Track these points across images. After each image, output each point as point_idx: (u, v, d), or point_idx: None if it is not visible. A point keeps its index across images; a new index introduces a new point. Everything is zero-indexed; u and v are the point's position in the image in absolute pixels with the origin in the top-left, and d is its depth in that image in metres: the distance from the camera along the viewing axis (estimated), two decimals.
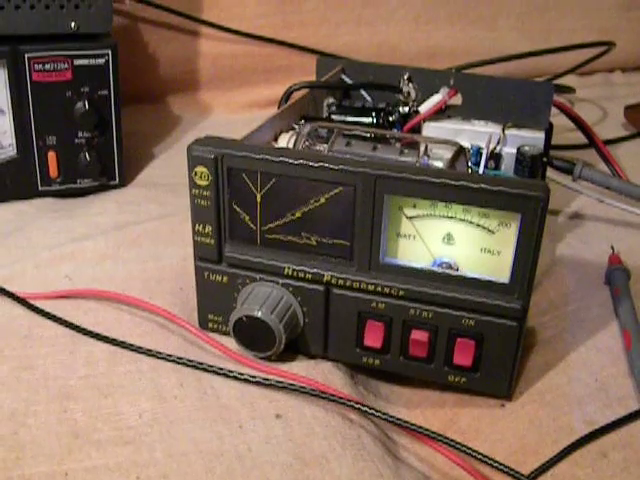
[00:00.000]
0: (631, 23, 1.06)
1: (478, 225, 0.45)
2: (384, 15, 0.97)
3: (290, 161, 0.46)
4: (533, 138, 0.66)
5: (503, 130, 0.66)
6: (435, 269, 0.46)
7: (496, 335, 0.46)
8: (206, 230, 0.50)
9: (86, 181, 0.72)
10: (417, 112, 0.67)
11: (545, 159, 0.67)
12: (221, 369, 0.48)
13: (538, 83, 0.67)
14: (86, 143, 0.71)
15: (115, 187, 0.74)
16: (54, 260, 0.60)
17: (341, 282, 0.48)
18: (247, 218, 0.49)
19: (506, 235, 0.44)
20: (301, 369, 0.50)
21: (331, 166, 0.45)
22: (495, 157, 0.66)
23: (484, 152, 0.59)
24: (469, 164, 0.53)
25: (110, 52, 0.69)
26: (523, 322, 0.45)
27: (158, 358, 0.50)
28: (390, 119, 0.66)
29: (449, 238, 0.46)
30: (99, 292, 0.55)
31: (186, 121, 0.92)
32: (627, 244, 0.65)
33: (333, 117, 0.66)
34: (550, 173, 0.70)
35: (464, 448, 0.42)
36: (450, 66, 0.94)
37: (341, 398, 0.45)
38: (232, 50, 0.93)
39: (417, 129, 0.67)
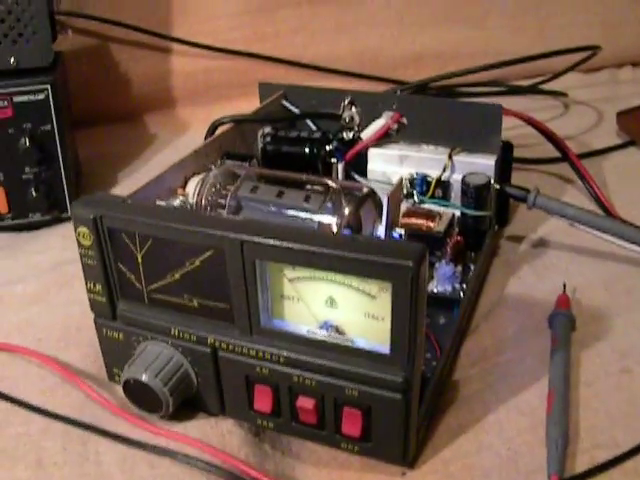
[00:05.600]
0: (638, 13, 0.97)
1: (358, 289, 0.41)
2: (364, 19, 0.92)
3: (160, 224, 0.43)
4: (483, 164, 0.61)
5: (450, 156, 0.61)
6: (316, 336, 0.43)
7: (382, 407, 0.42)
8: (96, 288, 0.48)
9: (37, 215, 0.71)
10: (361, 138, 0.63)
11: (498, 187, 0.62)
12: (108, 432, 0.47)
13: (486, 105, 0.62)
14: (34, 178, 0.70)
15: (68, 219, 0.73)
16: None
17: (224, 345, 0.45)
18: (133, 278, 0.47)
19: (388, 301, 0.41)
20: (198, 429, 0.48)
21: (197, 229, 0.42)
22: (442, 185, 0.62)
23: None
24: (384, 210, 0.48)
25: (49, 87, 0.67)
26: (409, 394, 0.42)
27: (49, 418, 0.49)
28: (328, 148, 0.62)
29: (332, 302, 0.43)
30: (9, 346, 0.54)
31: (161, 140, 0.90)
32: (588, 278, 0.60)
33: (268, 148, 0.63)
34: None
35: None
36: (439, 71, 0.89)
37: (222, 469, 0.43)
38: (206, 66, 0.91)
39: (363, 155, 0.64)
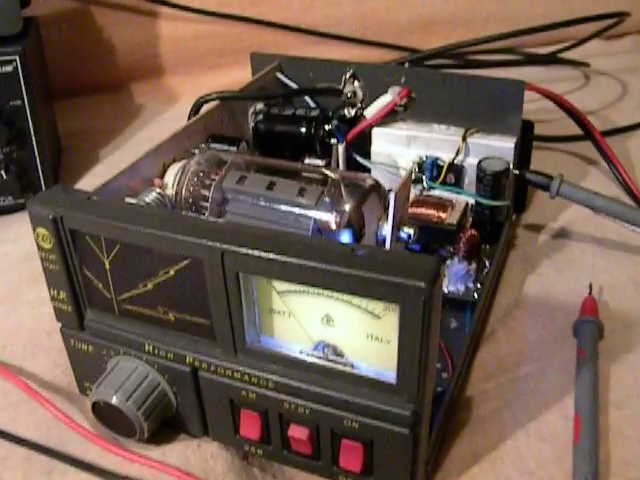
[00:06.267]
0: None
1: (360, 307, 0.35)
2: None
3: (128, 227, 0.37)
4: (501, 148, 0.54)
5: (464, 138, 0.55)
6: (310, 358, 0.37)
7: (386, 441, 0.37)
8: (61, 296, 0.42)
9: (8, 199, 0.65)
10: (364, 116, 0.57)
11: (517, 172, 0.56)
12: (76, 460, 0.41)
13: (506, 81, 0.55)
14: (4, 158, 0.63)
15: None
16: None
17: (205, 366, 0.40)
18: (100, 285, 0.41)
19: (394, 322, 0.35)
20: (178, 454, 0.43)
21: (170, 235, 0.36)
22: (455, 170, 0.56)
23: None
24: (390, 208, 0.42)
25: (18, 58, 0.60)
26: (418, 428, 0.36)
27: (10, 442, 0.43)
28: (327, 127, 0.56)
29: (328, 319, 0.37)
30: None
31: (148, 111, 0.83)
32: (616, 276, 0.54)
33: (259, 127, 0.57)
34: None
35: None
36: (448, 37, 0.82)
37: None
38: (196, 31, 0.83)
39: (367, 135, 0.57)
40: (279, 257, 0.34)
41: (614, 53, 0.89)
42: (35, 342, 0.51)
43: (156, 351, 0.41)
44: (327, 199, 0.43)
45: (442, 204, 0.53)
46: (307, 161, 0.55)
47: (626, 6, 0.87)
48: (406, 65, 0.66)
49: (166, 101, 0.86)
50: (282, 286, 0.37)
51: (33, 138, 0.64)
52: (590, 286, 0.51)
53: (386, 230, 0.42)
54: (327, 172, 0.46)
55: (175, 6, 0.82)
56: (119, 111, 0.84)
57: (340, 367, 0.37)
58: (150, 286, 0.39)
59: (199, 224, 0.37)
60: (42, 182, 0.66)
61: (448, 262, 0.51)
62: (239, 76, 0.84)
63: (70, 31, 0.76)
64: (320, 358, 0.37)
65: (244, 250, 0.35)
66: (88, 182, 0.70)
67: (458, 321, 0.50)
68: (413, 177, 0.56)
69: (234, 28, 0.84)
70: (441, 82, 0.56)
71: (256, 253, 0.34)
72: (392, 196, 0.39)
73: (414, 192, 0.55)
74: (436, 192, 0.55)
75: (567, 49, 0.81)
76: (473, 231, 0.51)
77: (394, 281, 0.32)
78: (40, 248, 0.41)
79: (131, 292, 0.40)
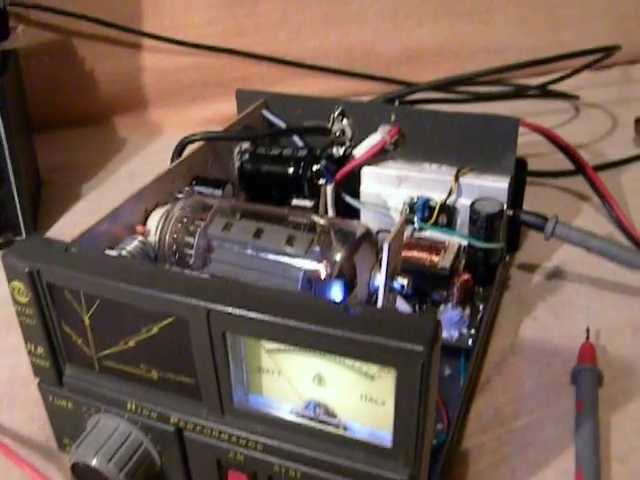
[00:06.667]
0: None
1: (353, 368, 0.34)
2: (355, 12, 0.83)
3: (108, 283, 0.35)
4: (494, 188, 0.53)
5: (456, 177, 0.54)
6: (301, 419, 0.35)
7: None
8: (38, 351, 0.40)
9: None
10: (353, 155, 0.55)
11: (511, 213, 0.54)
12: None
13: (499, 118, 0.54)
14: None
15: None
16: None
17: (190, 426, 0.38)
18: (80, 341, 0.39)
19: (390, 384, 0.33)
20: None
21: (153, 293, 0.34)
22: (447, 211, 0.54)
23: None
24: (384, 259, 0.40)
25: None
26: None
27: None
28: (315, 168, 0.54)
29: (320, 379, 0.35)
30: None
31: (131, 145, 0.82)
32: (613, 319, 0.53)
33: (245, 168, 0.55)
34: None
35: None
36: (435, 69, 0.81)
37: None
38: (180, 63, 0.82)
39: (356, 175, 0.56)
40: (267, 317, 0.32)
41: (603, 84, 0.88)
42: (11, 393, 0.49)
43: (139, 410, 0.39)
44: (317, 248, 0.41)
45: (434, 247, 0.51)
46: (295, 202, 0.54)
47: (614, 36, 0.87)
48: (396, 103, 0.64)
49: (149, 134, 0.84)
50: (271, 344, 0.35)
51: (11, 174, 0.62)
52: (587, 331, 0.49)
53: (379, 280, 0.40)
54: (316, 219, 0.44)
55: (157, 38, 0.80)
56: (102, 145, 0.82)
57: (332, 429, 0.35)
58: (132, 343, 0.37)
59: (183, 280, 0.35)
60: (21, 220, 0.64)
61: (442, 308, 0.49)
62: (224, 108, 0.83)
63: (51, 63, 0.74)
64: (311, 419, 0.35)
65: (231, 310, 0.33)
66: (69, 220, 0.68)
67: (452, 368, 0.48)
68: (404, 218, 0.54)
69: (218, 60, 0.82)
70: (432, 120, 0.55)
71: (243, 313, 0.33)
72: (385, 247, 0.38)
73: (406, 234, 0.54)
74: (427, 233, 0.54)
75: (557, 81, 0.81)
76: (466, 275, 0.50)
77: (390, 344, 0.31)
78: (16, 302, 0.39)
79: (112, 349, 0.38)
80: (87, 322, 0.38)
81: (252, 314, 0.32)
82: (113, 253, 0.41)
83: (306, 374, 0.35)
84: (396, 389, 0.32)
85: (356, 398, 0.34)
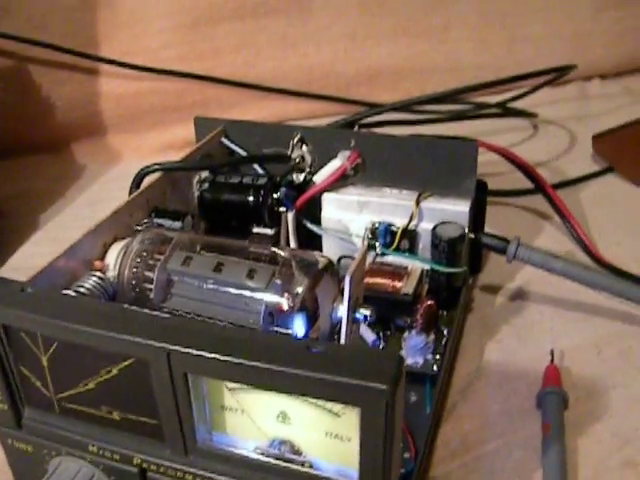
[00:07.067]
0: (604, 25, 0.91)
1: (317, 405, 0.33)
2: (313, 33, 0.83)
3: (67, 325, 0.35)
4: (456, 212, 0.53)
5: (417, 202, 0.54)
6: (266, 458, 0.35)
7: None
8: None
9: None
10: (313, 181, 0.55)
11: (473, 236, 0.54)
12: None
13: (458, 142, 0.54)
14: None
15: None
16: None
17: (154, 467, 0.37)
18: (39, 383, 0.38)
19: (355, 420, 0.33)
20: None
21: (113, 335, 0.34)
22: (409, 235, 0.54)
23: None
24: (346, 291, 0.39)
25: None
26: None
27: None
28: (275, 196, 0.54)
29: (284, 417, 0.34)
30: None
31: (90, 172, 0.81)
32: (577, 339, 0.53)
33: (205, 197, 0.55)
34: None
35: None
36: (394, 88, 0.81)
37: None
38: (138, 88, 0.81)
39: (317, 201, 0.56)
40: (228, 358, 0.32)
41: (560, 100, 0.89)
42: None
43: (101, 452, 0.38)
44: (278, 281, 0.41)
45: (397, 273, 0.51)
46: (256, 230, 0.54)
47: (570, 53, 0.88)
48: (356, 127, 0.65)
49: (108, 161, 0.83)
50: (233, 383, 0.34)
51: None
52: (552, 353, 0.49)
53: (341, 311, 0.40)
54: (277, 251, 0.44)
55: (115, 62, 0.79)
56: (60, 172, 0.81)
57: (298, 467, 0.35)
58: (92, 385, 0.36)
59: (143, 321, 0.34)
60: None
61: (406, 334, 0.49)
62: (182, 134, 0.82)
63: (7, 90, 0.73)
64: (277, 457, 0.35)
65: (191, 351, 0.32)
66: (27, 252, 0.67)
67: (417, 395, 0.48)
68: (366, 243, 0.54)
69: (177, 84, 0.82)
70: (391, 145, 0.55)
71: (204, 354, 0.32)
72: (347, 279, 0.38)
73: (368, 259, 0.53)
74: (390, 258, 0.54)
75: (516, 98, 0.81)
76: (430, 301, 0.50)
77: (353, 383, 0.30)
78: None
79: (72, 391, 0.37)
80: (45, 364, 0.37)
81: (212, 355, 0.32)
82: (71, 293, 0.40)
83: (270, 412, 0.35)
84: (361, 427, 0.32)
85: (321, 435, 0.34)
